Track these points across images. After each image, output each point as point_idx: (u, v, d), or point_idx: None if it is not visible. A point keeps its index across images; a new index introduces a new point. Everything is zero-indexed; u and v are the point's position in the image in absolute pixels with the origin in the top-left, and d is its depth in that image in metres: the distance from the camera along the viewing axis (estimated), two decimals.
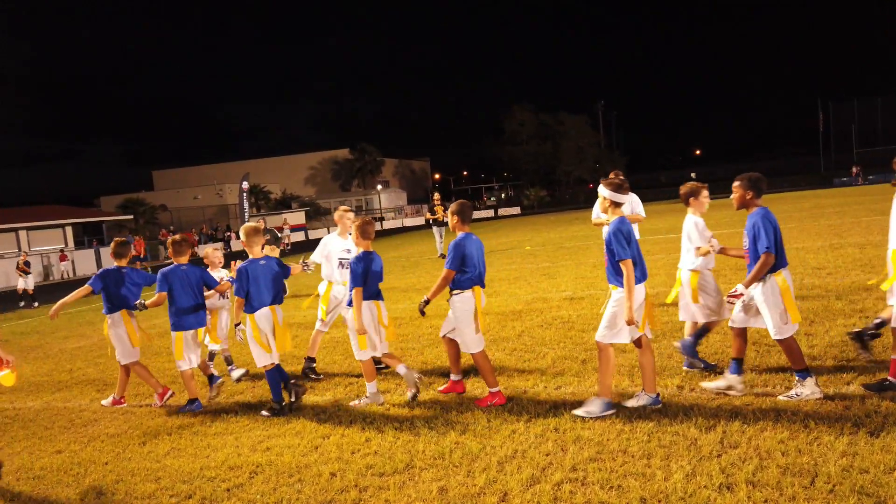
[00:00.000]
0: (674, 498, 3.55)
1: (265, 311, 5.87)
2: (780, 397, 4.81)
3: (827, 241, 13.38)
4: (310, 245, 39.21)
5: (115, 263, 6.64)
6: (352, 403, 5.80)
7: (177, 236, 6.57)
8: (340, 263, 6.84)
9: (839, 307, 7.39)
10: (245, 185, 25.51)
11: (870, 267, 9.80)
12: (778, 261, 4.81)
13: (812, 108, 66.25)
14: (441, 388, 5.93)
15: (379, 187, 68.40)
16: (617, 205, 4.99)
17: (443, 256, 18.30)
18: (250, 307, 5.84)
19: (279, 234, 7.15)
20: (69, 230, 36.71)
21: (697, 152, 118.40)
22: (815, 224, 17.66)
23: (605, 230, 5.07)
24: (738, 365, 5.05)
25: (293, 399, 5.86)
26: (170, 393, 6.57)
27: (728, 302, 4.99)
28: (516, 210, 62.44)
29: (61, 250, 33.46)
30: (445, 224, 19.16)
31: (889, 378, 4.78)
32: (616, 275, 4.89)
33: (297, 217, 51.79)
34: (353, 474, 4.31)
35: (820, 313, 7.21)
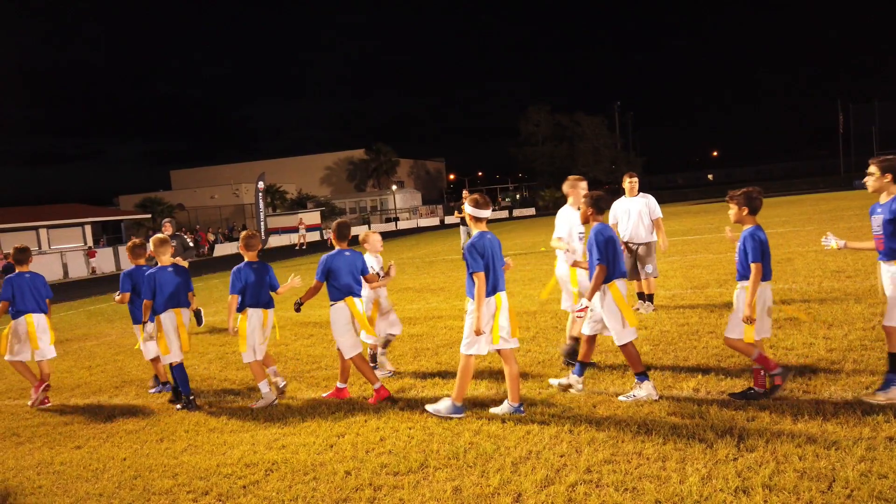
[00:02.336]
0: (689, 501, 3.53)
1: (170, 313, 6.34)
2: (620, 398, 5.21)
3: None
4: (325, 246, 39.39)
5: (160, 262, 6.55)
6: (252, 406, 6.13)
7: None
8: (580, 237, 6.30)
9: (858, 311, 7.30)
10: (261, 185, 25.70)
11: None
12: (765, 273, 4.97)
13: (832, 109, 65.37)
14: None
15: (394, 188, 68.56)
16: (478, 220, 5.19)
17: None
18: (154, 310, 6.37)
19: (190, 245, 7.51)
20: (88, 228, 37.18)
21: (715, 154, 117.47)
22: (835, 227, 17.44)
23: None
24: (583, 368, 5.54)
25: (183, 404, 6.34)
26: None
27: (577, 317, 5.32)
28: (531, 211, 62.31)
29: (90, 248, 33.93)
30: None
31: (754, 388, 5.01)
32: (471, 287, 5.09)
33: (313, 217, 52.04)
34: (368, 473, 4.33)
35: (839, 317, 7.14)
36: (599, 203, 5.52)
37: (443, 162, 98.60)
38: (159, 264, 6.48)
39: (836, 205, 27.70)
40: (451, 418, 5.14)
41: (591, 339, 5.51)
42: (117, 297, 7.16)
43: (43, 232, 34.11)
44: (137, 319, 7.06)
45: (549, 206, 64.55)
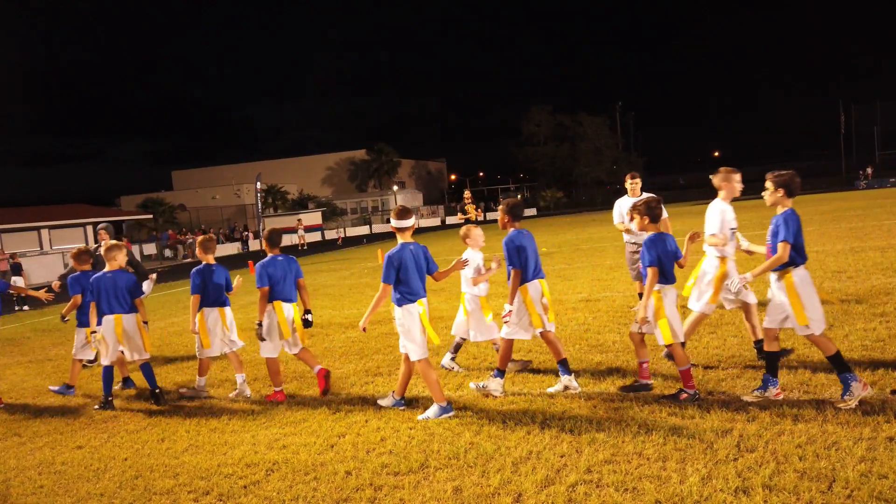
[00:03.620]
0: (689, 501, 3.53)
1: (110, 318, 6.58)
2: (548, 390, 5.59)
3: (847, 245, 13.21)
4: (325, 245, 39.43)
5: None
6: (182, 391, 6.67)
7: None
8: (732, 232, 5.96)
9: (859, 311, 7.30)
10: (259, 185, 25.71)
11: (892, 270, 9.67)
12: (667, 277, 5.22)
13: (833, 109, 65.27)
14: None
15: (395, 188, 68.57)
16: (400, 230, 5.46)
17: None
18: (99, 314, 6.62)
19: (96, 254, 7.73)
20: (90, 229, 37.22)
21: (716, 154, 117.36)
22: (836, 227, 17.43)
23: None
24: (565, 365, 5.71)
25: (156, 401, 6.58)
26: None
27: (504, 321, 5.63)
28: (532, 211, 62.29)
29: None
30: (477, 223, 18.46)
31: (640, 380, 5.32)
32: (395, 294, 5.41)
33: (314, 217, 52.10)
34: (369, 473, 4.34)
35: (840, 317, 7.13)
36: (515, 210, 5.77)
37: (444, 162, 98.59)
38: (107, 269, 6.68)
39: (838, 205, 27.68)
40: (440, 418, 5.26)
41: (547, 336, 5.73)
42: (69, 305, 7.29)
43: (45, 232, 34.13)
44: (83, 324, 7.28)
45: (551, 207, 64.59)
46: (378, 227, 55.89)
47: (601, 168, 72.83)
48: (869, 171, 50.77)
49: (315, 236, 47.32)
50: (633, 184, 8.60)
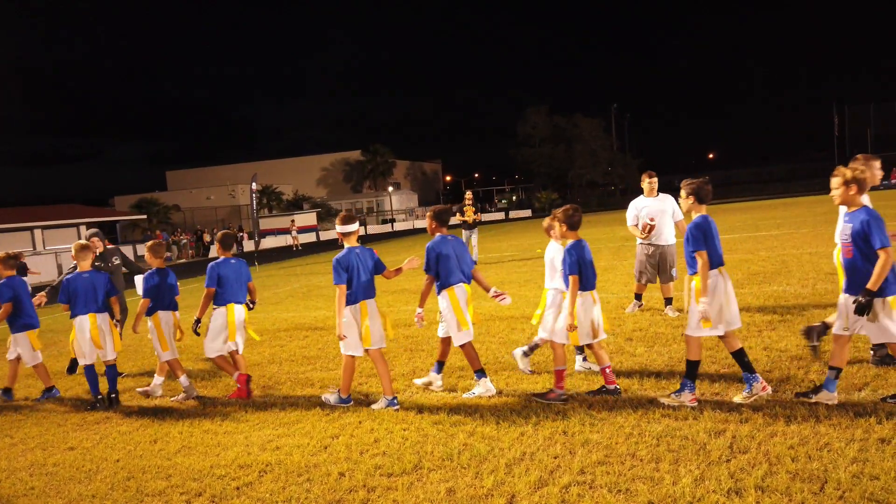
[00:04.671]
0: (682, 502, 3.54)
1: (84, 318, 6.63)
2: (464, 395, 5.74)
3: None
4: (321, 246, 39.39)
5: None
6: (171, 399, 6.63)
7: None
8: None
9: None
10: (254, 185, 25.61)
11: None
12: (588, 283, 5.36)
13: (827, 111, 65.65)
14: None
15: (390, 189, 68.58)
16: (345, 235, 5.74)
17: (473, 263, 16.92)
18: (73, 313, 6.66)
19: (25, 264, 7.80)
20: (83, 229, 37.09)
21: (711, 156, 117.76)
22: (830, 229, 17.48)
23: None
24: (441, 366, 6.05)
25: (109, 405, 6.63)
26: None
27: (417, 322, 5.82)
28: (527, 213, 62.37)
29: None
30: (476, 226, 16.92)
31: (606, 385, 5.42)
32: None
33: (309, 218, 52.03)
34: (362, 474, 4.33)
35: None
36: (442, 216, 5.93)
37: (440, 163, 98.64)
38: (79, 270, 6.76)
39: (832, 207, 27.77)
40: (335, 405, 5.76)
41: (446, 341, 5.97)
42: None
43: (38, 232, 34.01)
44: (15, 329, 7.14)
45: (546, 208, 64.69)
46: (373, 229, 55.88)
47: (597, 170, 72.94)
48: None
49: (310, 237, 47.26)
50: (650, 183, 8.37)
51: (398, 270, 5.99)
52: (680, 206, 5.20)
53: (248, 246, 42.98)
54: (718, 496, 3.56)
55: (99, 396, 6.64)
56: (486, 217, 51.72)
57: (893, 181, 47.41)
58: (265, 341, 9.31)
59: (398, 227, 57.80)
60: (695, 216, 5.07)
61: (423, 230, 50.81)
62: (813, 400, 4.72)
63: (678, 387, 5.16)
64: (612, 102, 75.96)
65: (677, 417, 4.73)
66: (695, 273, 4.96)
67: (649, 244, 8.33)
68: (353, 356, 5.75)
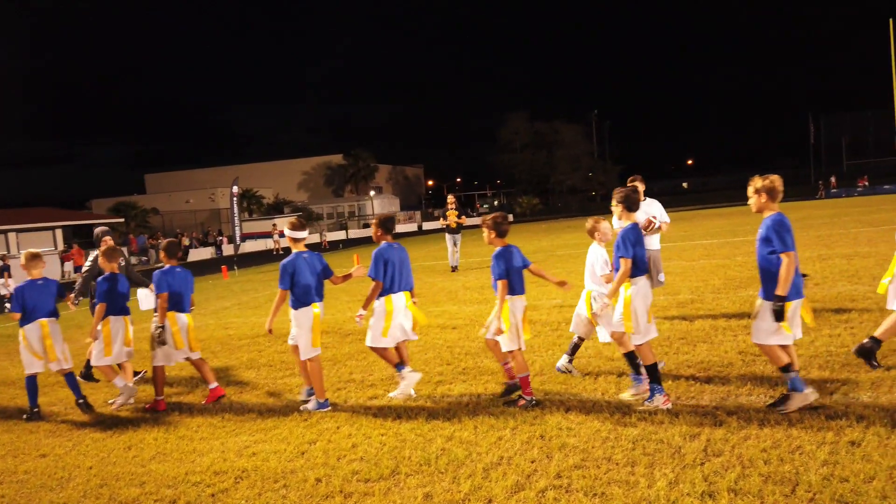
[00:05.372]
0: None
1: (35, 324, 6.55)
2: (389, 395, 6.00)
3: (815, 252, 13.48)
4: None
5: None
6: (112, 404, 6.67)
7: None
8: None
9: (825, 318, 7.45)
10: (235, 189, 25.46)
11: (857, 278, 9.89)
12: (515, 287, 5.52)
13: (803, 119, 66.73)
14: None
15: (372, 193, 68.45)
16: (294, 240, 5.96)
17: (455, 269, 16.52)
18: (23, 320, 6.56)
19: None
20: (59, 232, 36.53)
21: (690, 162, 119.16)
22: (805, 235, 17.79)
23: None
24: (400, 367, 6.03)
25: (84, 410, 6.58)
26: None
27: (357, 322, 5.96)
28: (509, 218, 62.53)
29: (64, 251, 33.31)
30: (460, 231, 16.71)
31: (507, 381, 5.64)
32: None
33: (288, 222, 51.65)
34: (339, 480, 4.31)
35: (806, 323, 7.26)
36: (387, 224, 6.11)
37: (421, 168, 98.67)
38: (30, 278, 6.65)
39: (808, 213, 28.25)
40: (313, 411, 5.79)
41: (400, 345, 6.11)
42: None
43: (12, 236, 33.40)
44: None
45: (527, 214, 64.92)
46: (355, 233, 55.72)
47: (577, 175, 73.47)
48: (832, 180, 52.03)
49: (286, 241, 46.92)
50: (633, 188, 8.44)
51: (346, 277, 6.18)
52: (613, 213, 5.45)
53: (228, 250, 42.64)
54: (692, 499, 3.59)
55: (35, 409, 6.54)
56: (467, 222, 51.87)
57: (860, 188, 48.39)
58: (243, 346, 9.23)
59: None
60: (625, 224, 5.26)
61: (405, 234, 50.76)
62: (787, 406, 4.71)
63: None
64: (592, 109, 76.59)
65: (653, 421, 4.77)
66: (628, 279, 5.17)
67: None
68: (315, 358, 5.88)
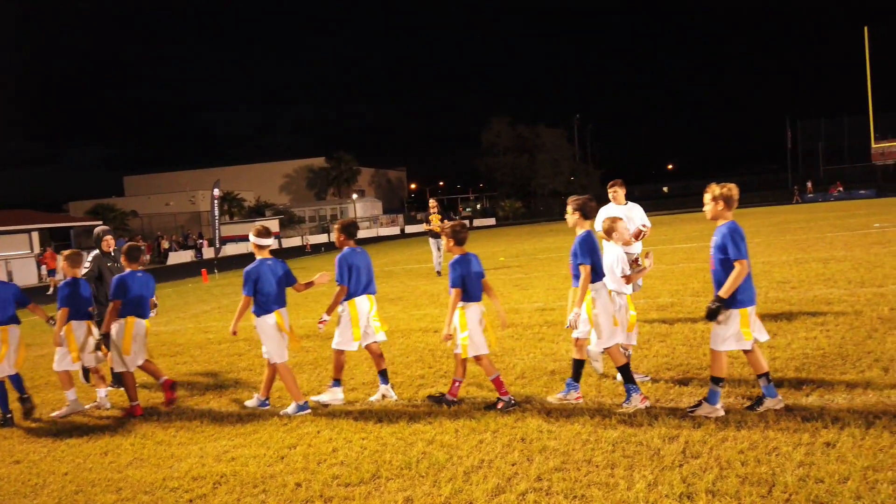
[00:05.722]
0: None
1: None
2: (311, 398, 6.06)
3: (792, 256, 13.68)
4: (284, 253, 38.90)
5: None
6: (53, 414, 6.53)
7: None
8: None
9: (801, 321, 7.56)
10: (216, 192, 25.19)
11: (832, 281, 10.04)
12: (472, 295, 5.62)
13: (781, 126, 67.74)
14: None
15: (354, 196, 68.24)
16: (259, 247, 5.99)
17: (440, 273, 16.33)
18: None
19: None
20: (35, 235, 35.95)
21: (670, 167, 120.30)
22: (782, 239, 18.04)
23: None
24: (337, 383, 6.12)
25: (24, 414, 6.57)
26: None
27: (319, 328, 5.96)
28: (491, 221, 62.72)
29: (39, 254, 32.81)
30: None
31: (447, 395, 5.67)
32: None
33: (271, 225, 51.42)
34: (319, 485, 4.29)
35: (783, 326, 7.37)
36: (349, 229, 6.16)
37: (404, 171, 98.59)
38: None
39: (784, 217, 28.67)
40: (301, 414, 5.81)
41: (370, 348, 6.15)
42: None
43: None
44: None
45: (510, 217, 65.12)
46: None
47: (559, 179, 73.79)
48: (809, 185, 52.87)
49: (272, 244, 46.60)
50: (612, 192, 8.35)
51: (309, 284, 6.20)
52: (567, 221, 5.56)
53: (209, 253, 42.24)
54: (671, 500, 3.62)
55: (8, 415, 6.42)
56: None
57: (834, 194, 49.18)
58: (223, 350, 9.15)
59: (362, 234, 57.46)
60: (580, 231, 5.37)
61: (387, 238, 50.70)
62: (696, 413, 4.85)
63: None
64: (574, 113, 77.06)
65: (633, 424, 4.81)
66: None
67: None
68: (283, 362, 5.94)
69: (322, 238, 52.89)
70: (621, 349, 5.51)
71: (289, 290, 6.16)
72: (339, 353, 6.04)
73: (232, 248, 43.23)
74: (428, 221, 16.48)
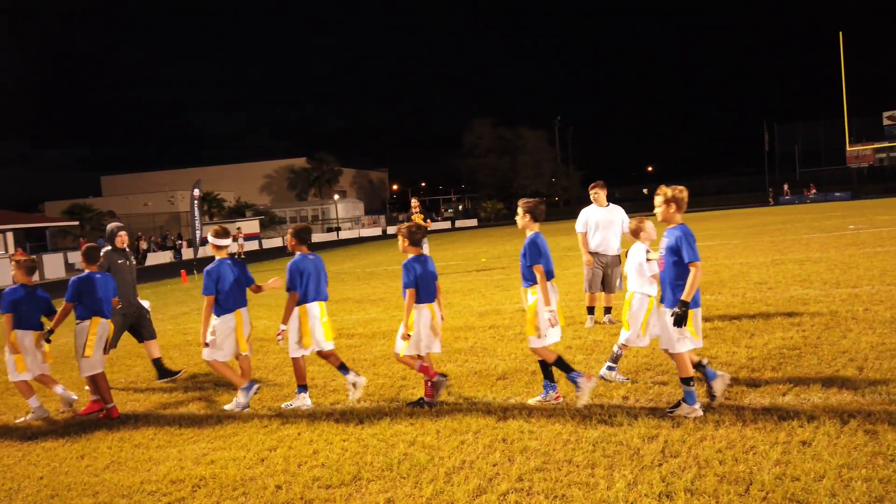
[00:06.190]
0: None
1: None
2: (282, 405, 6.02)
3: (769, 257, 13.87)
4: (266, 254, 38.62)
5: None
6: (18, 421, 6.39)
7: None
8: None
9: (778, 321, 7.67)
10: (196, 192, 24.91)
11: (808, 282, 10.20)
12: (424, 296, 5.68)
13: (758, 128, 68.63)
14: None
15: (336, 197, 67.97)
16: (218, 248, 6.12)
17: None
18: None
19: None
20: (10, 236, 35.34)
21: (649, 169, 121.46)
22: (759, 240, 18.27)
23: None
24: (344, 368, 6.11)
25: None
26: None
27: (279, 340, 6.01)
28: (473, 222, 62.82)
29: (13, 255, 32.24)
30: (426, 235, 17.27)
31: (423, 398, 5.69)
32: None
33: (252, 225, 51.05)
34: (300, 487, 4.26)
35: (760, 326, 7.46)
36: (302, 235, 6.16)
37: (386, 172, 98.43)
38: None
39: (762, 219, 29.05)
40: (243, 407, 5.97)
41: (322, 353, 6.16)
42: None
43: None
44: None
45: (492, 218, 65.26)
46: (318, 237, 55.19)
47: (540, 181, 74.16)
48: (786, 187, 53.66)
49: (253, 245, 46.33)
50: (593, 194, 8.47)
51: (260, 288, 6.32)
52: (517, 224, 5.66)
53: (188, 254, 41.78)
54: (650, 500, 3.65)
55: None
56: (432, 226, 51.91)
57: (808, 196, 50.01)
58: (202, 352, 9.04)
59: (343, 235, 57.29)
60: (529, 233, 5.48)
61: (369, 238, 50.58)
62: (676, 413, 4.91)
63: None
64: (555, 115, 77.46)
65: (613, 423, 4.84)
66: (530, 285, 5.42)
67: (598, 254, 8.41)
68: (214, 361, 6.05)
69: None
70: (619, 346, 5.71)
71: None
72: (296, 360, 6.02)
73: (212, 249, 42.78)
74: (410, 221, 16.35)
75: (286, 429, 5.43)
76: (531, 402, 5.50)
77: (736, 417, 4.72)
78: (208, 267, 5.98)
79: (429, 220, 16.99)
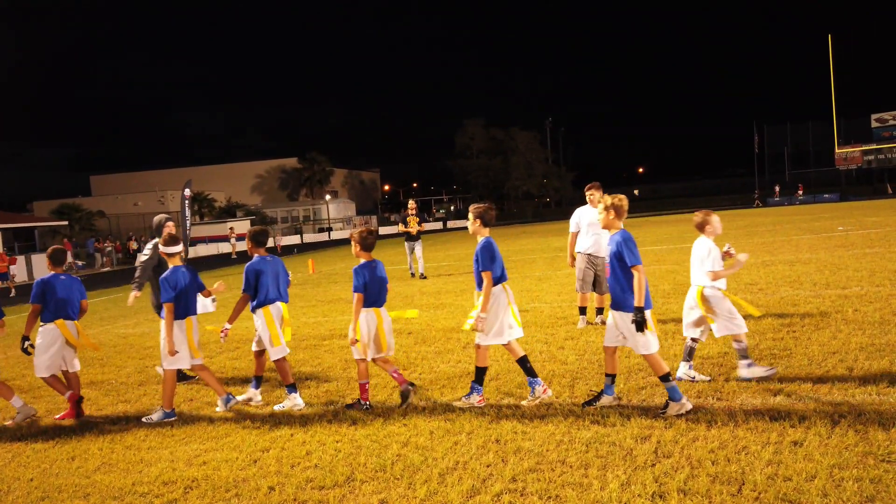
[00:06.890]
0: None
1: None
2: (275, 408, 6.02)
3: (759, 258, 13.95)
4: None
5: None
6: (6, 424, 6.30)
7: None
8: None
9: (768, 322, 7.71)
10: (187, 192, 24.78)
11: (798, 283, 10.27)
12: (373, 301, 5.72)
13: (748, 130, 69.04)
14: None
15: (327, 197, 67.82)
16: (169, 255, 6.13)
17: (419, 276, 16.13)
18: None
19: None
20: None
21: (641, 170, 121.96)
22: (749, 241, 18.38)
23: None
24: (258, 381, 6.31)
25: None
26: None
27: (222, 338, 6.14)
28: (465, 223, 62.81)
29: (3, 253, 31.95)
30: (419, 237, 16.35)
31: (360, 399, 5.79)
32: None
33: (243, 226, 50.87)
34: (293, 488, 4.25)
35: (750, 327, 7.49)
36: (258, 238, 6.25)
37: (378, 172, 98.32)
38: None
39: (751, 220, 29.22)
40: (161, 422, 5.88)
41: (260, 354, 6.25)
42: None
43: None
44: None
45: None
46: (309, 237, 55.06)
47: (532, 182, 74.36)
48: (776, 189, 54.02)
49: (242, 245, 46.16)
50: (589, 195, 8.47)
51: (209, 293, 6.39)
52: (469, 229, 5.76)
53: None
54: (643, 500, 3.66)
55: None
56: (429, 227, 51.93)
57: (798, 197, 50.37)
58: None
59: (335, 235, 57.14)
60: (480, 239, 5.56)
61: None
62: (597, 405, 5.14)
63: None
64: (547, 116, 77.64)
65: (606, 424, 4.85)
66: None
67: (588, 255, 8.43)
68: (172, 371, 6.05)
69: (294, 239, 52.46)
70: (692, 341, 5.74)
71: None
72: (277, 361, 6.06)
73: (202, 249, 42.65)
74: (405, 223, 16.24)
75: (279, 430, 5.41)
76: (524, 403, 5.51)
77: (728, 418, 4.74)
78: (165, 274, 6.01)
79: (422, 223, 16.96)
